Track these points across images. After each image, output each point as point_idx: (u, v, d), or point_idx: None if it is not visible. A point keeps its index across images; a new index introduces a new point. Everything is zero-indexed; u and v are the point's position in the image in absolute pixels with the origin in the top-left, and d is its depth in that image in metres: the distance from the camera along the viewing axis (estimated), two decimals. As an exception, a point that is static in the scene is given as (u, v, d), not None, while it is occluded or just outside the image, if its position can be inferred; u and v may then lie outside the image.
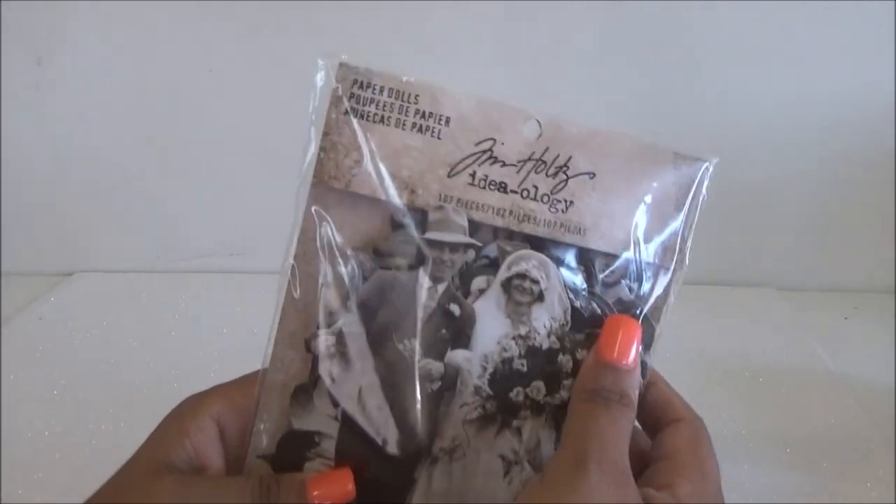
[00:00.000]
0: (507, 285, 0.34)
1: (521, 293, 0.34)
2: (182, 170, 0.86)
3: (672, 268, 0.36)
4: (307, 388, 0.34)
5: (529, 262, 0.34)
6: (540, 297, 0.34)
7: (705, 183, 0.36)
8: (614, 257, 0.35)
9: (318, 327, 0.34)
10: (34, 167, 0.86)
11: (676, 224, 0.35)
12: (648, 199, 0.35)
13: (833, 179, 0.83)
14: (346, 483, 0.32)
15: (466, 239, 0.33)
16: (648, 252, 0.35)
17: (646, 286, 0.36)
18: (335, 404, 0.34)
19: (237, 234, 0.89)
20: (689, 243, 0.36)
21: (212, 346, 0.71)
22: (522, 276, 0.33)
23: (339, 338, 0.34)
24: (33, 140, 0.84)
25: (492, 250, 0.34)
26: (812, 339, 0.74)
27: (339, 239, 0.34)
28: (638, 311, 0.36)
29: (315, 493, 0.31)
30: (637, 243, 0.35)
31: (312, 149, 0.33)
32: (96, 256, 0.91)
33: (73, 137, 0.84)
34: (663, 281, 0.36)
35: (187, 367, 0.67)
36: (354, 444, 0.34)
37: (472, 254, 0.34)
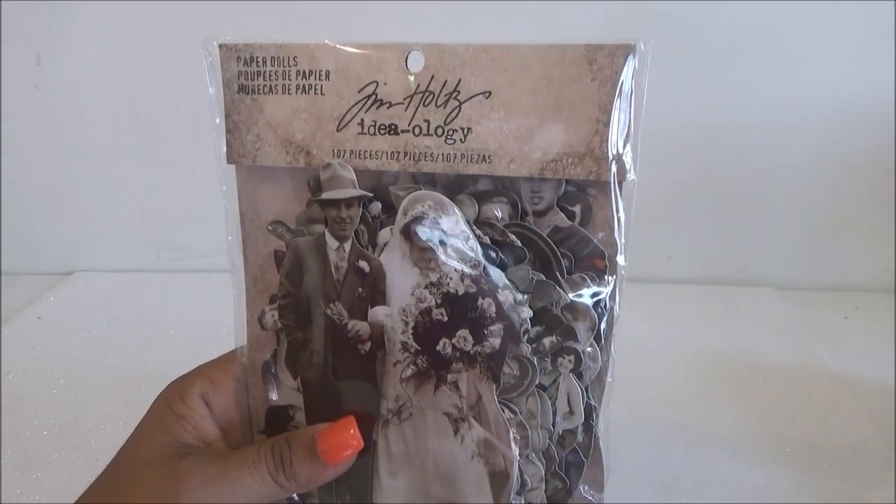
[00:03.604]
0: (407, 232, 0.31)
1: (422, 238, 0.31)
2: (180, 169, 0.86)
3: (612, 180, 0.30)
4: (269, 364, 0.36)
5: (424, 203, 0.31)
6: (443, 240, 0.31)
7: (631, 71, 0.29)
8: (541, 181, 0.31)
9: (267, 304, 0.35)
10: (34, 167, 0.87)
11: (606, 130, 0.30)
12: (564, 106, 0.30)
13: (833, 178, 0.82)
14: (351, 432, 0.32)
15: (354, 192, 0.32)
16: (578, 168, 0.30)
17: (588, 209, 0.31)
18: (294, 375, 0.35)
19: None
20: (628, 149, 0.30)
21: (211, 345, 0.65)
22: (419, 218, 0.31)
23: (281, 311, 0.35)
24: (33, 139, 0.85)
25: (392, 197, 0.32)
26: (812, 339, 0.73)
27: (267, 216, 0.35)
28: (578, 238, 0.31)
29: (324, 447, 0.32)
30: (559, 160, 0.30)
31: (220, 134, 0.34)
32: (95, 256, 0.92)
33: (73, 137, 0.85)
34: (606, 198, 0.30)
35: (187, 366, 0.64)
36: (320, 412, 0.35)
37: (376, 206, 0.32)
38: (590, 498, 0.33)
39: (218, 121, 0.34)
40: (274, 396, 0.36)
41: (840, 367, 0.67)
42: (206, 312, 0.78)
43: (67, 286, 0.88)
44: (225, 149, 0.34)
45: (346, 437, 0.32)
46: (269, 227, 0.34)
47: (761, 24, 0.75)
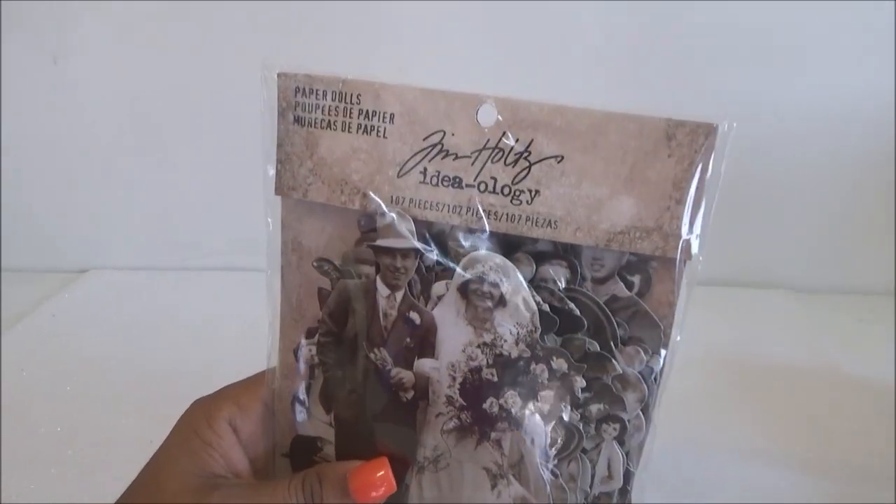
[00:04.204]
0: (464, 290, 0.31)
1: (480, 298, 0.30)
2: (194, 167, 0.86)
3: (678, 258, 0.30)
4: (301, 395, 0.35)
5: (486, 264, 0.30)
6: (501, 302, 0.30)
7: (713, 152, 0.29)
8: (603, 250, 0.30)
9: (304, 337, 0.35)
10: (50, 165, 0.87)
11: (678, 207, 0.29)
12: (637, 180, 0.29)
13: (848, 181, 0.81)
14: (384, 474, 0.32)
15: (412, 243, 0.31)
16: (646, 243, 0.30)
17: (647, 281, 0.31)
18: (327, 410, 0.35)
19: (249, 230, 0.86)
20: (697, 228, 0.30)
21: (225, 343, 0.69)
22: (479, 279, 0.30)
23: (320, 348, 0.34)
24: (49, 139, 0.85)
25: (450, 252, 0.31)
26: (826, 342, 0.73)
27: (310, 247, 0.34)
28: (635, 310, 0.30)
29: (356, 485, 0.32)
30: (626, 232, 0.30)
31: (269, 162, 0.33)
32: (109, 254, 0.92)
33: (88, 136, 0.85)
34: (669, 273, 0.30)
35: (200, 364, 0.65)
36: (351, 448, 0.35)
37: (432, 258, 0.32)
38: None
39: (266, 147, 0.33)
40: (302, 427, 0.36)
41: (855, 370, 0.67)
42: (218, 310, 0.79)
43: (82, 284, 0.88)
44: (273, 176, 0.33)
45: (380, 478, 0.32)
46: (315, 264, 0.33)
47: (775, 21, 0.75)
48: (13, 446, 0.56)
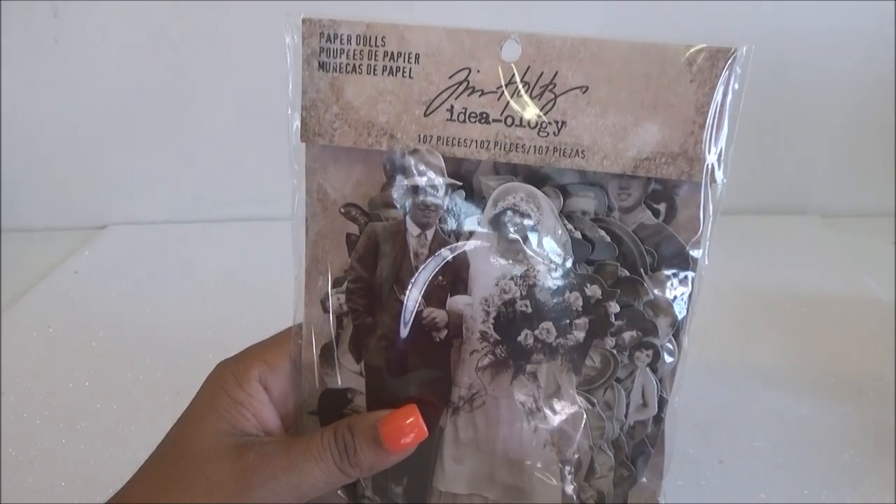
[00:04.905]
0: (495, 223, 0.31)
1: (512, 230, 0.31)
2: (209, 117, 0.85)
3: (704, 181, 0.31)
4: (331, 347, 0.35)
5: (516, 195, 0.31)
6: (533, 232, 0.31)
7: (734, 75, 0.30)
8: (630, 178, 0.31)
9: (331, 286, 0.35)
10: (60, 122, 0.86)
11: (701, 132, 0.30)
12: (661, 106, 0.30)
13: (876, 101, 0.78)
14: (413, 420, 0.32)
15: (442, 179, 0.31)
16: (671, 168, 0.30)
17: (672, 208, 0.31)
18: (357, 359, 0.35)
19: (266, 181, 0.84)
20: (721, 151, 0.30)
21: (245, 295, 0.72)
22: (511, 210, 0.31)
23: (349, 295, 0.34)
24: (57, 94, 0.84)
25: (477, 187, 0.32)
26: (858, 267, 0.72)
27: (336, 196, 0.34)
28: (663, 236, 0.31)
29: (386, 433, 0.32)
30: (652, 159, 0.30)
31: (295, 109, 0.33)
32: (128, 209, 0.92)
33: (96, 90, 0.84)
34: (694, 199, 0.31)
35: (222, 316, 0.67)
36: (383, 396, 0.35)
37: (461, 194, 0.32)
38: (649, 484, 0.35)
39: (291, 95, 0.33)
40: (332, 379, 0.36)
41: (887, 294, 0.66)
42: (239, 262, 0.80)
43: (102, 240, 0.89)
44: (298, 125, 0.33)
45: (409, 424, 0.32)
46: (342, 210, 0.34)
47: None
48: (42, 402, 0.58)
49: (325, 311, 0.35)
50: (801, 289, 0.68)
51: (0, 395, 0.58)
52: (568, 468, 0.33)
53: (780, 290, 0.68)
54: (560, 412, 0.32)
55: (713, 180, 0.31)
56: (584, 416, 0.32)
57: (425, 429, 0.32)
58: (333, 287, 0.35)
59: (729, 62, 0.30)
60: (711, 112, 0.30)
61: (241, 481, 0.31)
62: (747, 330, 0.62)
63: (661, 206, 0.32)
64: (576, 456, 0.33)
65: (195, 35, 0.81)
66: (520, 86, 0.31)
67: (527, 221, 0.31)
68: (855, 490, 0.46)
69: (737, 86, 0.30)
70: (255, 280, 0.74)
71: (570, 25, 0.71)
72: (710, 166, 0.30)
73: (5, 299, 0.74)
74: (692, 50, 0.30)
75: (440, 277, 0.32)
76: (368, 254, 0.33)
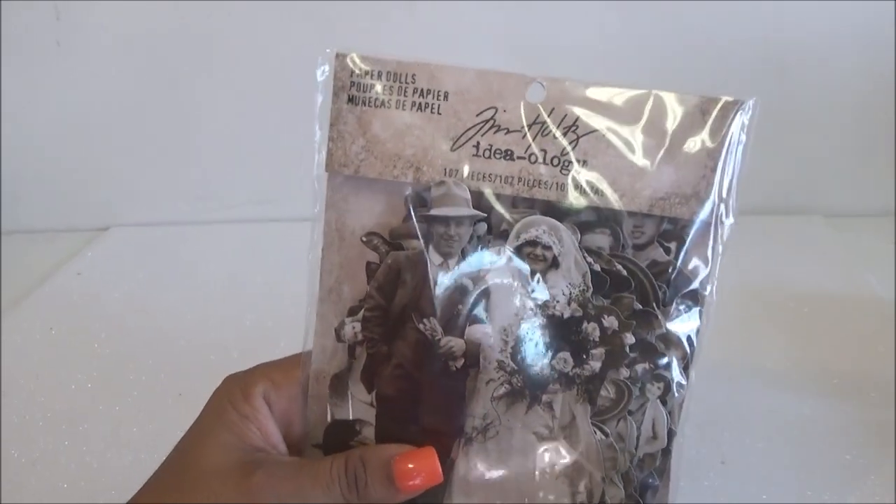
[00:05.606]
0: (518, 254, 0.32)
1: (533, 261, 0.32)
2: (210, 118, 0.85)
3: (713, 222, 0.33)
4: (343, 377, 0.35)
5: (539, 227, 0.32)
6: (554, 264, 0.32)
7: (741, 126, 0.32)
8: (643, 217, 0.33)
9: (346, 316, 0.35)
10: (65, 124, 0.86)
11: (713, 175, 0.32)
12: (676, 151, 0.32)
13: (878, 101, 0.78)
14: (430, 462, 0.32)
15: (469, 211, 0.33)
16: (684, 208, 0.32)
17: (684, 245, 0.33)
18: (369, 389, 0.35)
19: (269, 182, 0.88)
20: (731, 194, 0.33)
21: (248, 296, 0.71)
22: (533, 242, 0.32)
23: (365, 323, 0.34)
24: (61, 96, 0.84)
25: (498, 220, 0.33)
26: (859, 266, 0.72)
27: (354, 226, 0.35)
28: (672, 272, 0.33)
29: (401, 472, 0.31)
30: (667, 199, 0.32)
31: (321, 141, 0.34)
32: (131, 210, 0.92)
33: (98, 91, 0.84)
34: (703, 238, 0.33)
35: (224, 318, 0.67)
36: (392, 428, 0.35)
37: (482, 226, 0.33)
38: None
39: (318, 127, 0.34)
40: (341, 409, 0.35)
41: (889, 294, 0.65)
42: (242, 263, 0.80)
43: (104, 241, 0.89)
44: (324, 156, 0.34)
45: (425, 466, 0.32)
46: (364, 239, 0.34)
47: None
48: (44, 403, 0.57)
49: (340, 340, 0.35)
50: (803, 288, 0.68)
51: (2, 396, 0.58)
52: (580, 500, 0.33)
53: (782, 289, 0.68)
54: (574, 443, 0.33)
55: (721, 221, 0.33)
56: (598, 447, 0.33)
57: (441, 473, 0.32)
58: (348, 316, 0.35)
59: (738, 112, 0.32)
60: (722, 157, 0.32)
61: (245, 498, 0.31)
62: (749, 329, 0.62)
63: (672, 245, 0.33)
64: (587, 488, 0.33)
65: (197, 37, 0.81)
66: (549, 123, 0.33)
67: (548, 253, 0.32)
68: (857, 490, 0.46)
69: (744, 137, 0.32)
70: (258, 281, 0.74)
71: (570, 25, 0.75)
72: (719, 207, 0.32)
73: (7, 301, 0.74)
74: (705, 100, 0.32)
75: (459, 307, 0.33)
76: (388, 282, 0.34)
